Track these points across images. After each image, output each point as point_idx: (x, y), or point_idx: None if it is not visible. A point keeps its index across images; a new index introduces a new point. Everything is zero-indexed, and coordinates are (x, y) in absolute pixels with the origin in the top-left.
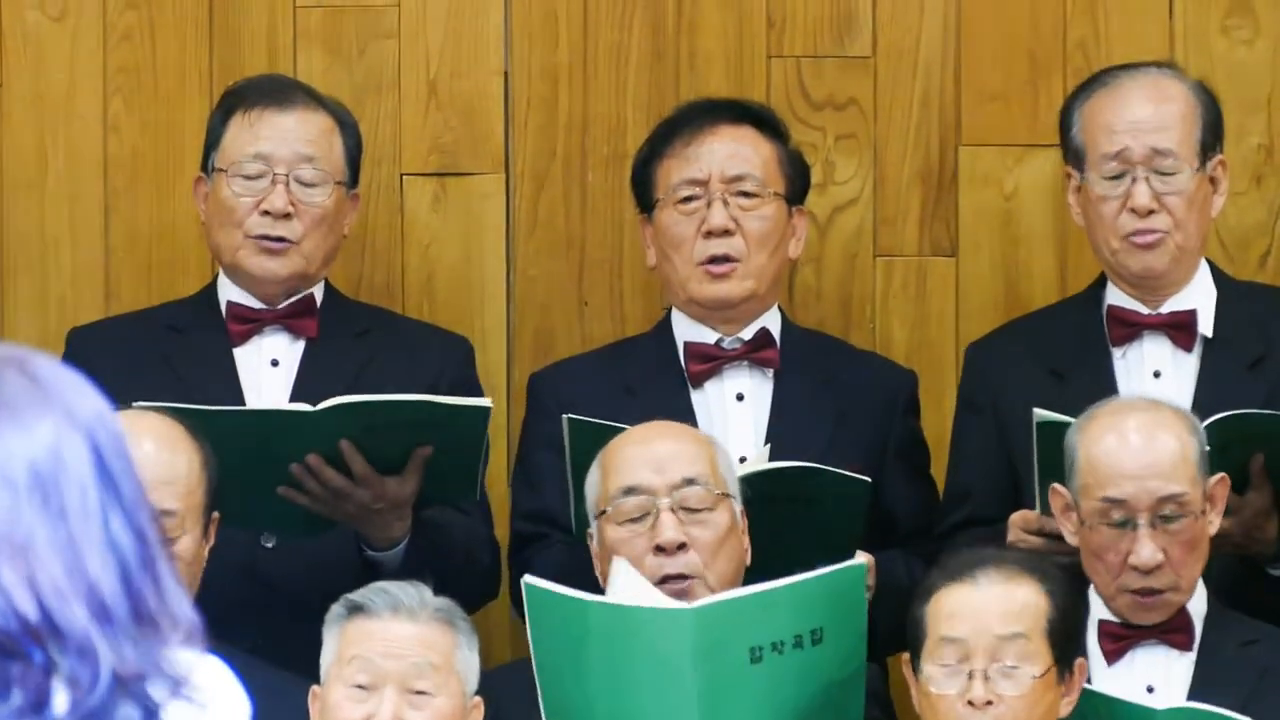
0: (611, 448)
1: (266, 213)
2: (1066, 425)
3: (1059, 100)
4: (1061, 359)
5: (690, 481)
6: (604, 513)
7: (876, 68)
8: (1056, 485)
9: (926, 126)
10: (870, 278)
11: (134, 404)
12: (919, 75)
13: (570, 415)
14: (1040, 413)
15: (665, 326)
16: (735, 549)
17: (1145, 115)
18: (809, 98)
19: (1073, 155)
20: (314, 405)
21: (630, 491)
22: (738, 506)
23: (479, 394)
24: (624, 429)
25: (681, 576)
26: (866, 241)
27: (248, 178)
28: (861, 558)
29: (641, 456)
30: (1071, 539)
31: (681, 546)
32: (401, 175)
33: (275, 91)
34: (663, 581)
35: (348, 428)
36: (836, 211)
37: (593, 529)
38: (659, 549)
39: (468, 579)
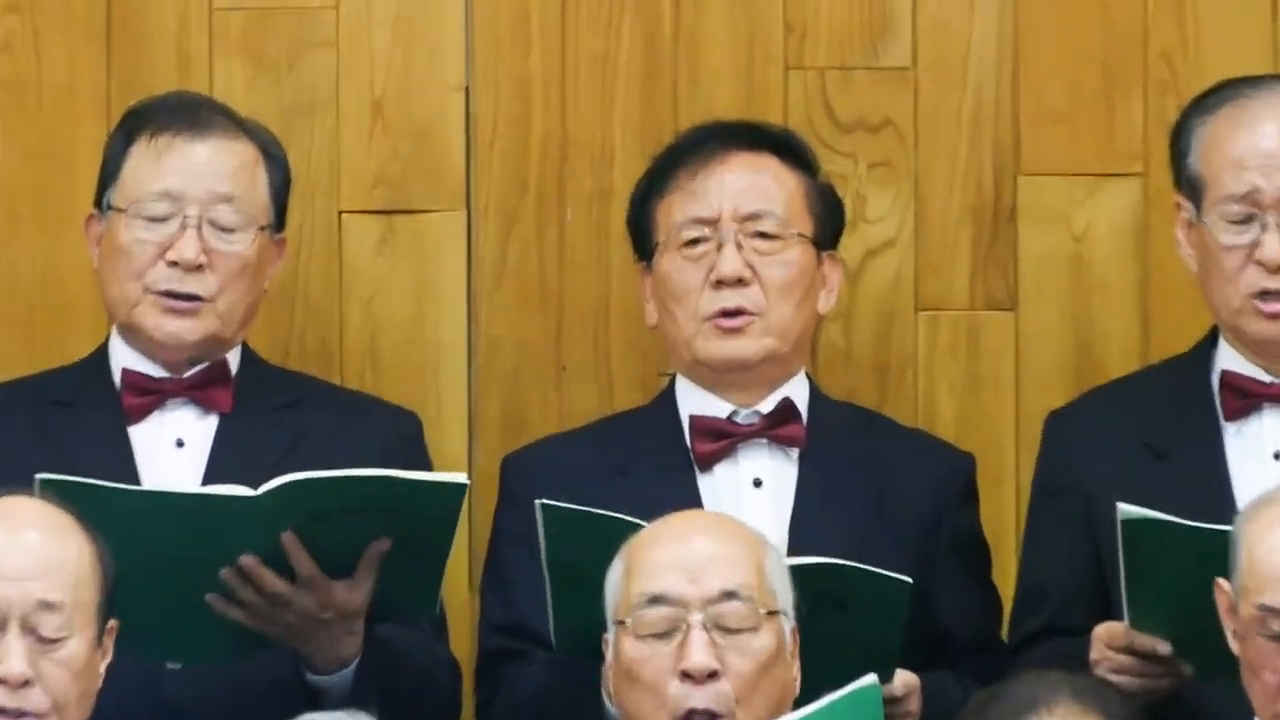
0: (639, 542)
1: (174, 263)
2: (1155, 523)
3: (1138, 120)
4: (1162, 434)
5: (730, 595)
6: (623, 623)
7: (917, 81)
8: (1221, 581)
9: (978, 152)
10: (911, 336)
11: (38, 475)
12: (969, 90)
13: (544, 500)
14: (1125, 508)
15: (668, 397)
16: (780, 680)
17: None
18: (835, 118)
19: (1187, 185)
20: (251, 488)
21: (656, 600)
22: (788, 625)
23: None
24: (611, 516)
25: (710, 714)
26: (906, 292)
27: (152, 219)
28: (901, 679)
29: (673, 558)
30: (1231, 644)
31: (713, 675)
32: (340, 213)
33: (187, 113)
34: (687, 717)
35: (291, 516)
36: (869, 256)
37: (609, 636)
38: (685, 675)
39: (424, 709)
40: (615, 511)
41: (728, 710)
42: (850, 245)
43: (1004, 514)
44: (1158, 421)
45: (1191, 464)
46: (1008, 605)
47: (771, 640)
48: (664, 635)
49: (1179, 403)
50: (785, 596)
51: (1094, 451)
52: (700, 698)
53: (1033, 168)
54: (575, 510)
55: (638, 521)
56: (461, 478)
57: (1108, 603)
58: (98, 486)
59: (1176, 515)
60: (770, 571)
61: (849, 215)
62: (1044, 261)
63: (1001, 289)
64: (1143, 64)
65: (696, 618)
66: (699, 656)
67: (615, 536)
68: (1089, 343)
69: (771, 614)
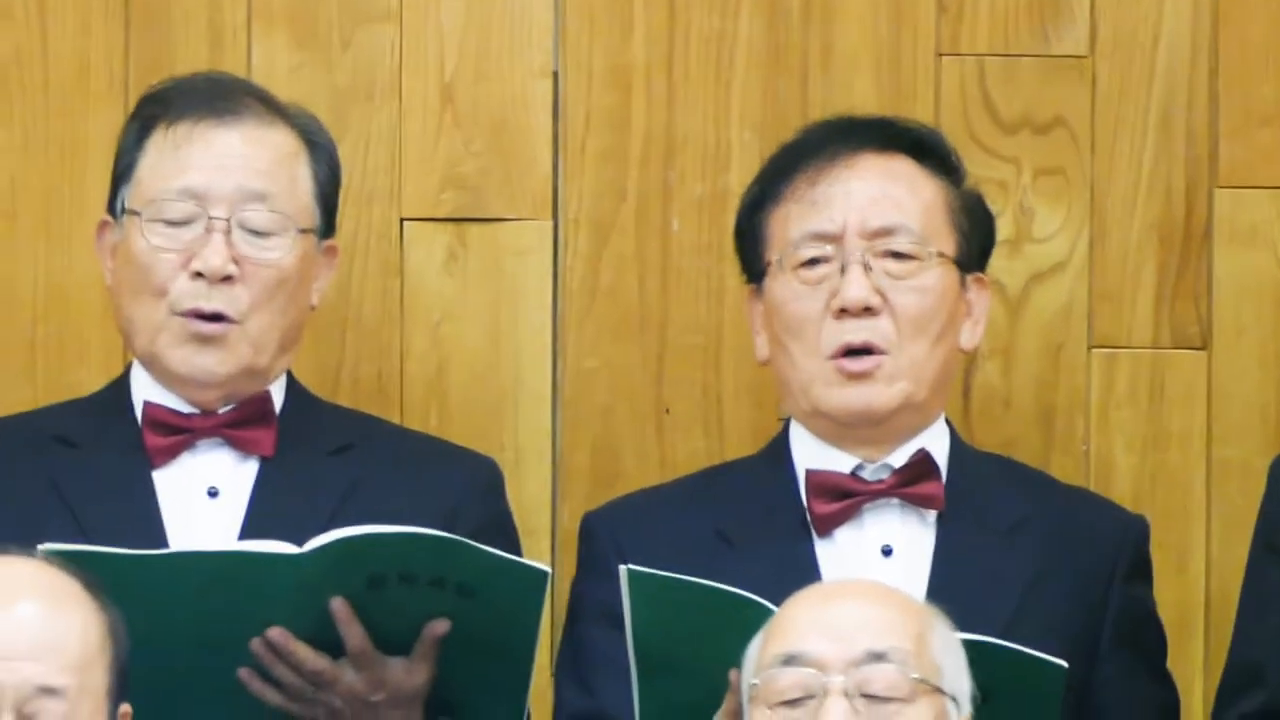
0: (783, 606)
1: (199, 274)
2: None
3: None
4: None
5: (879, 657)
6: (755, 685)
7: (1095, 72)
8: None
9: (1168, 159)
10: (1083, 378)
11: (40, 546)
12: (1157, 84)
13: (631, 566)
14: None
15: (780, 447)
16: None
17: None
18: (996, 116)
19: None
20: (297, 545)
21: (790, 661)
22: (956, 715)
23: (516, 540)
24: (711, 587)
25: None
26: (1078, 326)
27: (172, 223)
28: None
29: (816, 618)
30: None
31: None
32: (402, 221)
33: (213, 97)
34: None
35: (343, 580)
36: (1035, 281)
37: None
38: None
39: None
40: (719, 580)
41: None
42: (1012, 268)
43: (1191, 594)
44: None
45: None
46: (1211, 681)
47: (927, 718)
48: (797, 702)
49: None
50: (954, 677)
51: None
52: None
53: (1233, 179)
54: (669, 578)
55: (743, 594)
56: (543, 566)
57: None
58: (110, 555)
59: None
60: (935, 644)
61: (1011, 232)
62: (1244, 291)
63: (1192, 323)
64: None
65: (837, 681)
66: None
67: (716, 611)
68: None
69: (929, 688)
